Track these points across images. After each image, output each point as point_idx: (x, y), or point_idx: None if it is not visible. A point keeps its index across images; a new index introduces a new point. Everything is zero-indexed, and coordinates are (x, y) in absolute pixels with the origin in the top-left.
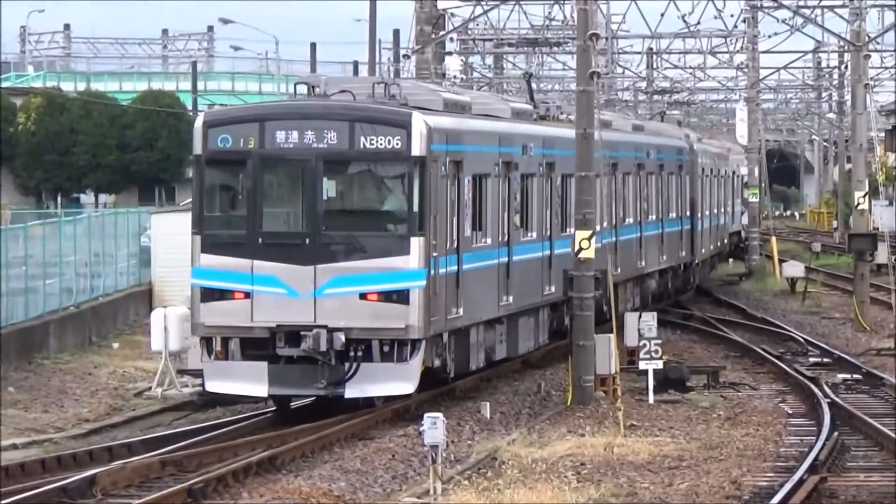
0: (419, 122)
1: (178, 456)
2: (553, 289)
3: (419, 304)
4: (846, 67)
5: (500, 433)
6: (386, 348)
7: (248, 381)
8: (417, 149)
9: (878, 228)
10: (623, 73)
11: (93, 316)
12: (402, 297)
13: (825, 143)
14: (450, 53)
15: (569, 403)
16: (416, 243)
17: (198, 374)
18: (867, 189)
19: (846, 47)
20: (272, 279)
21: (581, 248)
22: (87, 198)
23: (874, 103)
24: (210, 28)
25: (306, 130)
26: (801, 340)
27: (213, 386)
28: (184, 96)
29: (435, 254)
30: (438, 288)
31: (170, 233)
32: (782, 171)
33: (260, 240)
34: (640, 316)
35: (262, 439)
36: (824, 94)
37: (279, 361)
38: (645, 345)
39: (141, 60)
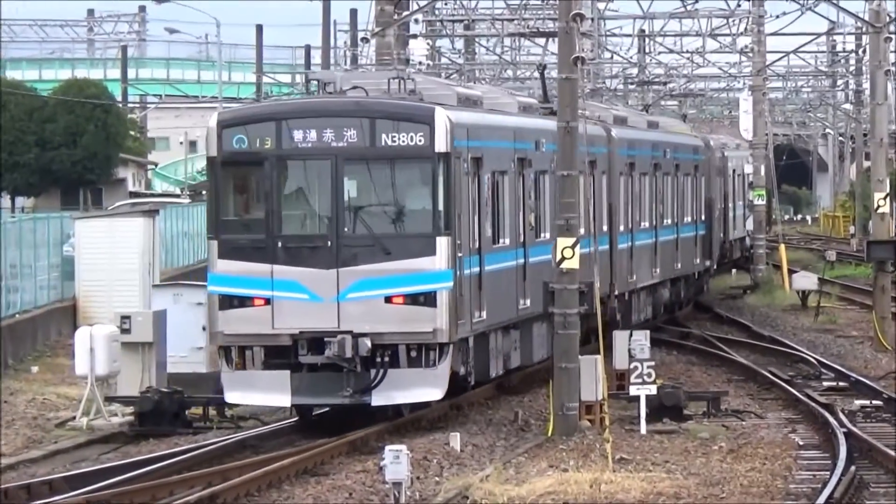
0: (442, 117)
1: (106, 495)
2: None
3: (447, 306)
4: (864, 52)
5: (472, 468)
6: (413, 353)
7: (270, 391)
8: (441, 145)
9: None
10: (611, 58)
11: (9, 335)
12: (429, 299)
13: (841, 138)
14: (414, 36)
15: (550, 434)
16: (443, 243)
17: (129, 401)
18: (888, 190)
19: (864, 29)
20: (293, 284)
21: (563, 258)
22: (2, 201)
23: None
24: (142, 9)
25: (325, 129)
26: (814, 362)
27: (234, 397)
28: (112, 86)
29: (460, 254)
30: (464, 290)
31: (96, 241)
32: (792, 169)
33: (279, 244)
34: (630, 335)
35: (202, 475)
36: (840, 82)
37: (301, 370)
38: (636, 367)
39: (63, 45)
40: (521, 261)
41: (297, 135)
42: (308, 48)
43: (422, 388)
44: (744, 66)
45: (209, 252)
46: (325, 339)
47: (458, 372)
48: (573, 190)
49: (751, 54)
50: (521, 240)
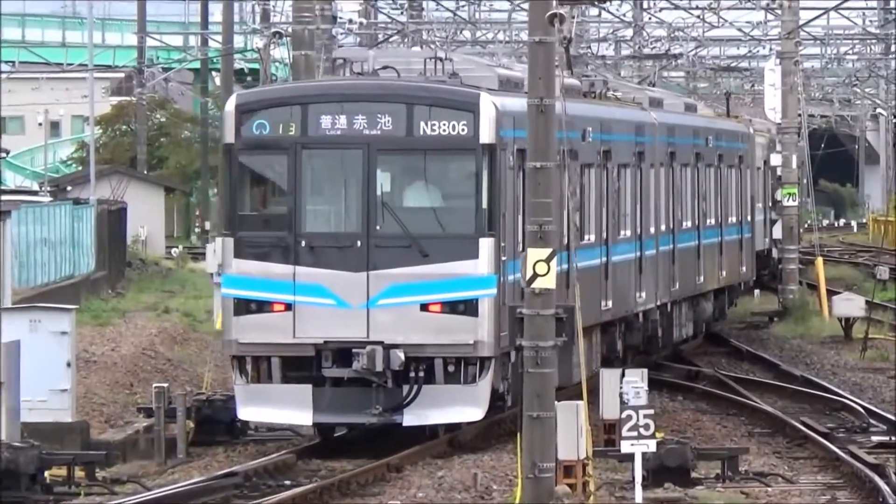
0: (488, 103)
1: None
2: (610, 304)
3: (489, 315)
4: None
5: None
6: (451, 367)
7: (290, 408)
8: (486, 135)
9: None
10: (599, 16)
11: None
12: (470, 307)
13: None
14: None
15: (518, 502)
16: (486, 245)
17: None
18: None
19: None
20: (318, 288)
21: (535, 275)
22: None
23: None
24: None
25: (356, 115)
26: (860, 410)
27: (248, 413)
28: None
29: (504, 257)
30: (507, 298)
31: None
32: (833, 160)
33: (303, 242)
34: (622, 374)
35: None
36: (894, 48)
37: (325, 384)
38: (630, 417)
39: None
40: (565, 266)
41: (325, 121)
42: (205, 3)
43: (460, 406)
44: (770, 27)
45: (224, 251)
46: (353, 350)
47: (497, 389)
48: (548, 187)
49: (779, 11)
50: (566, 242)
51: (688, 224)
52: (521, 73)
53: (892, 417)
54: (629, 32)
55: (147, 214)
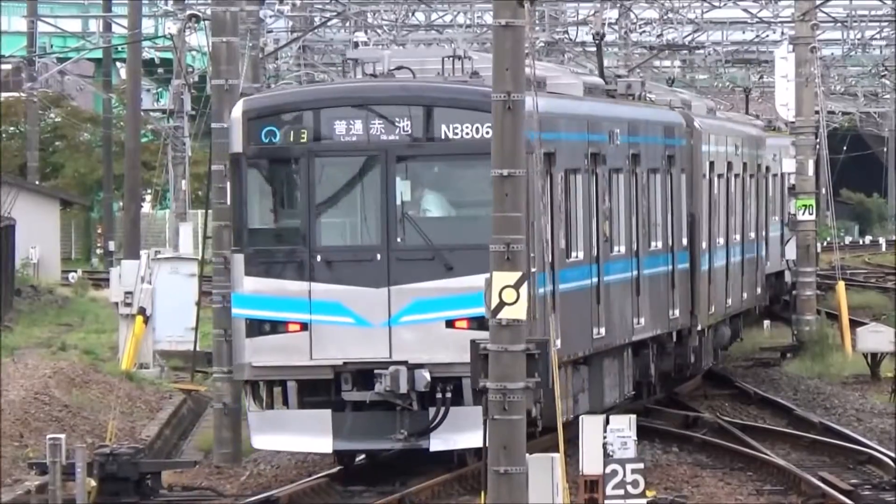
0: None
1: None
2: (642, 321)
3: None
4: None
5: None
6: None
7: (308, 435)
8: None
9: None
10: None
11: None
12: None
13: None
14: None
15: None
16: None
17: None
18: None
19: None
20: (335, 306)
21: (502, 304)
22: None
23: None
24: None
25: (374, 119)
26: (890, 463)
27: (263, 441)
28: None
29: (534, 269)
30: (537, 313)
31: None
32: (857, 166)
33: (319, 257)
34: (606, 421)
35: None
36: None
37: (345, 408)
38: (616, 472)
39: None
40: (595, 279)
41: (340, 126)
42: None
43: None
44: (782, 8)
45: (233, 267)
46: (375, 371)
47: (530, 412)
48: (517, 198)
49: None
50: (595, 254)
51: (720, 240)
52: (545, 72)
53: None
54: (613, 14)
55: (39, 233)
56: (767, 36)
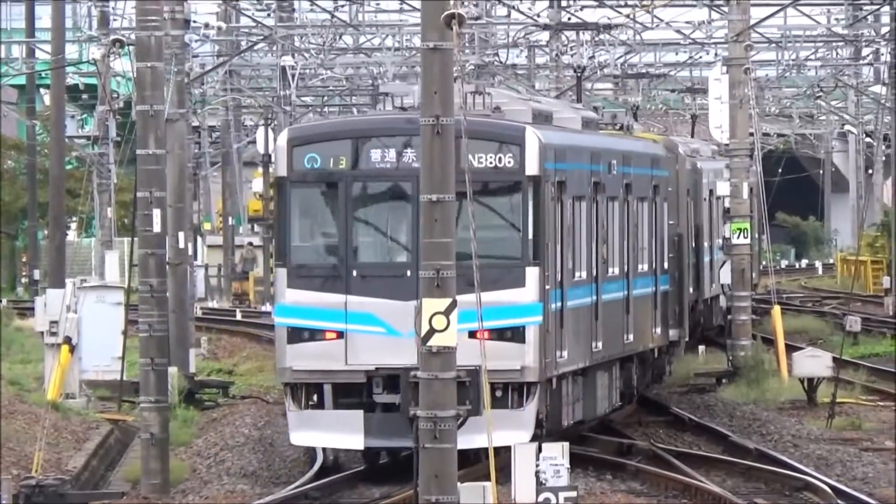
0: (533, 137)
1: None
2: (632, 337)
3: (536, 342)
4: None
5: None
6: (498, 392)
7: (342, 432)
8: (532, 167)
9: None
10: (508, 15)
11: None
12: (517, 334)
13: (868, 139)
14: None
15: None
16: (533, 274)
17: None
18: None
19: None
20: (369, 317)
21: (433, 331)
22: None
23: None
24: None
25: (405, 148)
26: (827, 490)
27: (301, 438)
28: None
29: (548, 286)
30: (550, 326)
31: None
32: (793, 189)
33: (354, 272)
34: (538, 449)
35: None
36: (866, 53)
37: (376, 409)
38: (549, 500)
39: None
40: (595, 297)
41: (375, 154)
42: (31, 4)
43: (508, 430)
44: (715, 28)
45: (276, 280)
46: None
47: (540, 415)
48: (447, 224)
49: (726, 9)
50: (595, 274)
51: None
52: (549, 107)
53: (865, 499)
54: (544, 36)
55: None
56: (701, 57)
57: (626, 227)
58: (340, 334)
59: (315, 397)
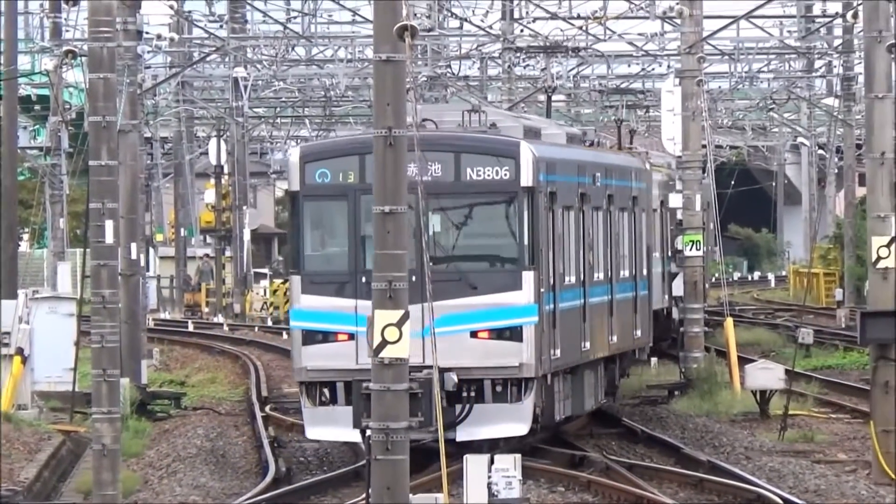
0: (527, 151)
1: None
2: (615, 339)
3: (532, 340)
4: (855, 17)
5: None
6: (498, 388)
7: (352, 427)
8: (527, 179)
9: None
10: (461, 27)
11: None
12: (515, 333)
13: (821, 152)
14: None
15: None
16: (528, 278)
17: None
18: (894, 231)
19: None
20: None
21: (385, 342)
22: None
23: None
24: None
25: (409, 163)
26: (778, 501)
27: (315, 433)
28: None
29: (542, 289)
30: (545, 326)
31: None
32: (746, 201)
33: (363, 278)
34: (491, 461)
35: None
36: (818, 65)
37: None
38: None
39: None
40: (582, 300)
41: None
42: None
43: (507, 423)
44: (668, 40)
45: (292, 287)
46: (411, 373)
47: (536, 409)
48: (400, 236)
49: (678, 21)
50: (583, 279)
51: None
52: (538, 123)
53: None
54: (496, 47)
55: None
56: (654, 69)
57: (609, 235)
58: (351, 336)
59: (328, 395)
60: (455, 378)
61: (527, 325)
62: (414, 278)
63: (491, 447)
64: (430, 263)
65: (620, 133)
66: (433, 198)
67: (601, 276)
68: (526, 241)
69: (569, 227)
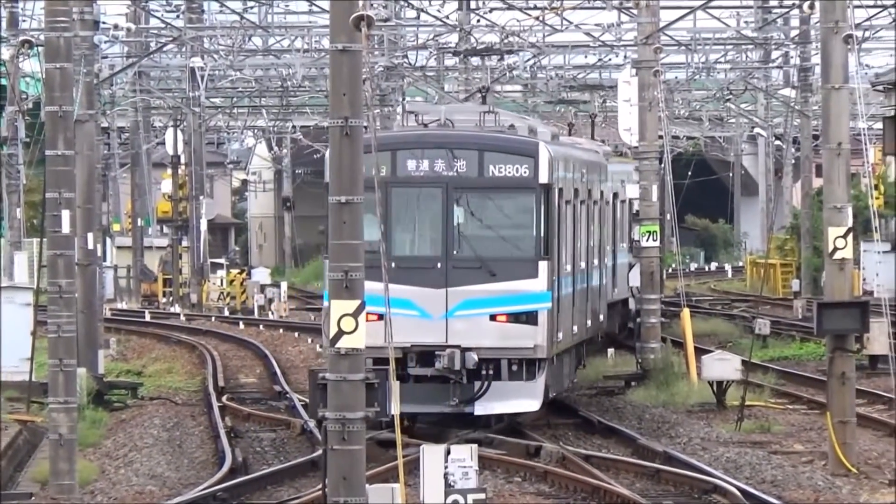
0: (545, 150)
1: None
2: (589, 323)
3: (546, 324)
4: (812, 8)
5: None
6: (514, 367)
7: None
8: (544, 176)
9: (870, 292)
10: (418, 17)
11: None
12: (531, 318)
13: (778, 142)
14: None
15: None
16: (544, 266)
17: None
18: (850, 222)
19: None
20: (405, 302)
21: (341, 332)
22: None
23: (863, 70)
24: None
25: (437, 159)
26: (735, 492)
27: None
28: None
29: (555, 277)
30: (555, 311)
31: None
32: (702, 192)
33: (393, 264)
34: (447, 452)
35: None
36: (775, 56)
37: (410, 381)
38: (457, 502)
39: None
40: (573, 288)
41: (411, 164)
42: None
43: (521, 399)
44: (625, 31)
45: (326, 272)
46: (435, 353)
47: (547, 386)
48: (355, 226)
49: (635, 11)
50: (574, 267)
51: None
52: (533, 123)
53: (774, 501)
54: (454, 38)
55: None
56: (610, 60)
57: (590, 226)
58: (380, 317)
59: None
60: (476, 357)
61: (542, 311)
62: (439, 265)
63: (497, 422)
64: (454, 252)
65: (594, 128)
66: (458, 192)
67: (583, 265)
68: (542, 233)
69: (569, 220)
